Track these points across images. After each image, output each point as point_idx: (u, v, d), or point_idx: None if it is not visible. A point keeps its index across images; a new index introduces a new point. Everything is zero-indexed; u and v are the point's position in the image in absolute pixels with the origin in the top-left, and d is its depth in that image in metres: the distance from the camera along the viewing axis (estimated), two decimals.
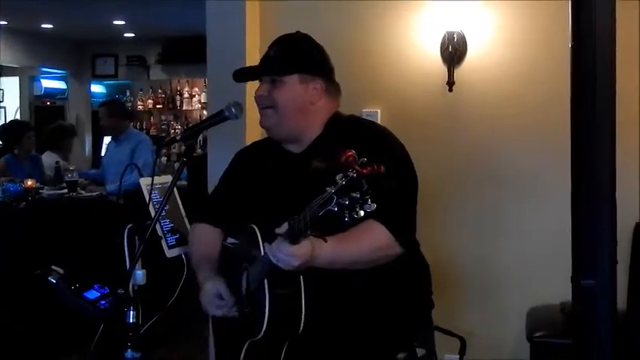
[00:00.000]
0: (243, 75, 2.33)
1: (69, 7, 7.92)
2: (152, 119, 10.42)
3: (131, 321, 2.01)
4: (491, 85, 3.62)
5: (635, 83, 3.34)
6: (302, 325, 1.92)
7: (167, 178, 2.52)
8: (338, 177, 1.63)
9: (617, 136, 1.68)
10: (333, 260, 1.92)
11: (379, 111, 3.67)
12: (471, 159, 3.65)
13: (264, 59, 2.22)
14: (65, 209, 5.48)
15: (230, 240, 2.33)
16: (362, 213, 1.61)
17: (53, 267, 2.47)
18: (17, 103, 10.70)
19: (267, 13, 3.86)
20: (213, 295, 2.10)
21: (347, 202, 1.61)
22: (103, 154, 7.23)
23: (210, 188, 3.74)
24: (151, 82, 10.52)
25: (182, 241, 2.46)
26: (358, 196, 1.61)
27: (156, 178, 2.37)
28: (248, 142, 3.76)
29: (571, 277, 1.70)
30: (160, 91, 10.38)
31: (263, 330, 1.91)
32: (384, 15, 3.70)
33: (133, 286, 2.07)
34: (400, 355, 2.15)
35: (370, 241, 1.98)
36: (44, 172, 6.40)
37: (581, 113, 1.71)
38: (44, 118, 10.03)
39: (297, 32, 2.29)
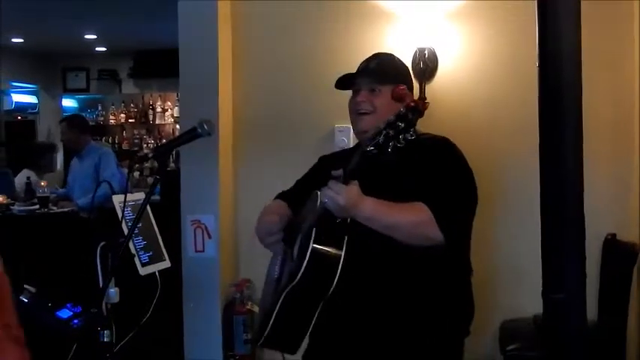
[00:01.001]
0: (345, 83, 2.47)
1: (39, 20, 7.87)
2: (124, 133, 10.34)
3: (105, 340, 2.00)
4: (463, 99, 3.66)
5: (600, 96, 3.39)
6: (333, 286, 2.05)
7: (140, 195, 2.51)
8: (389, 115, 1.90)
9: (584, 149, 1.71)
10: (373, 215, 2.08)
11: (351, 126, 3.69)
12: None
13: (366, 70, 2.42)
14: (36, 225, 5.41)
15: None
16: (404, 142, 1.88)
17: (25, 286, 2.45)
18: None
19: (239, 28, 3.88)
20: (268, 221, 2.35)
21: (392, 133, 1.88)
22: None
23: (183, 203, 3.76)
24: (122, 96, 10.46)
25: (155, 258, 2.45)
26: (403, 125, 1.87)
27: (128, 195, 2.37)
28: (221, 158, 3.78)
29: (542, 291, 1.72)
30: (132, 105, 10.32)
31: (299, 275, 2.04)
32: (355, 31, 3.73)
33: (106, 304, 2.07)
34: None
35: (412, 213, 2.11)
36: (14, 187, 6.33)
37: (549, 128, 1.74)
38: (15, 132, 9.93)
39: (388, 53, 2.56)
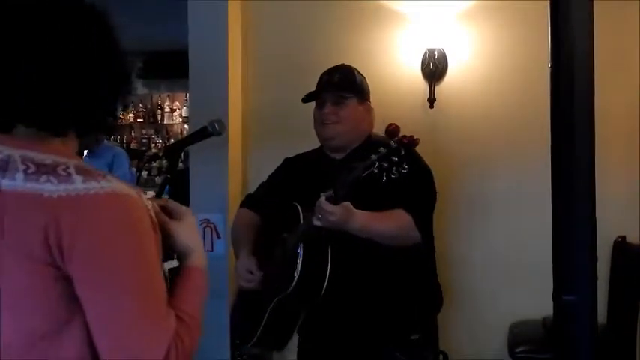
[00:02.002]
0: (311, 98, 2.68)
1: None
2: (133, 133, 10.36)
3: None
4: (472, 101, 3.66)
5: (612, 97, 3.38)
6: (324, 289, 2.29)
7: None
8: (380, 148, 2.13)
9: (596, 151, 1.71)
10: (364, 227, 2.30)
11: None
12: (453, 175, 3.68)
13: (330, 83, 2.62)
14: None
15: None
16: (397, 175, 2.10)
17: None
18: None
19: (249, 29, 3.88)
20: (245, 269, 2.52)
21: (386, 165, 2.11)
22: None
23: (192, 203, 3.76)
24: (131, 96, 10.49)
25: (165, 257, 2.45)
26: (396, 160, 2.10)
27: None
28: (231, 158, 3.78)
29: (552, 293, 1.72)
30: (140, 105, 10.34)
31: (292, 285, 2.29)
32: (365, 31, 3.74)
33: None
34: (413, 337, 2.52)
35: (396, 220, 2.38)
36: None
37: (560, 131, 1.73)
38: None
39: (344, 64, 2.72)
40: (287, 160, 2.81)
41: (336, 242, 2.33)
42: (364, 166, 2.14)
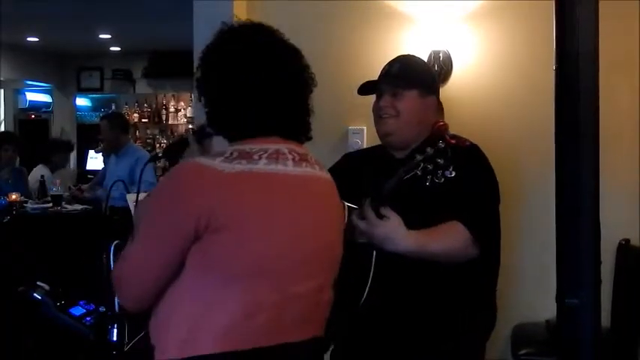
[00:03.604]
0: (367, 89, 2.52)
1: (54, 20, 7.91)
2: (138, 133, 10.39)
3: (114, 339, 2.01)
4: (477, 103, 3.65)
5: (616, 99, 3.37)
6: (364, 297, 2.09)
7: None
8: (427, 147, 1.93)
9: (600, 153, 1.70)
10: (417, 247, 2.10)
11: (365, 128, 3.68)
12: None
13: (388, 75, 2.45)
14: (50, 223, 5.43)
15: None
16: (442, 179, 1.92)
17: (38, 283, 2.46)
18: (1, 116, 10.65)
19: None
20: None
21: (430, 168, 1.92)
22: (101, 168, 7.13)
23: None
24: (136, 96, 10.51)
25: None
26: (442, 162, 1.91)
27: (142, 194, 2.37)
28: None
29: (555, 295, 1.71)
30: (145, 105, 10.36)
31: None
32: (369, 32, 3.73)
33: (118, 302, 2.07)
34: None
35: (452, 238, 2.15)
36: (28, 185, 6.35)
37: (565, 133, 1.73)
38: (29, 131, 9.99)
39: (412, 54, 2.61)
40: (346, 156, 2.68)
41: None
42: (407, 167, 1.98)
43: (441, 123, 2.03)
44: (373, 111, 2.46)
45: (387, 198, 2.05)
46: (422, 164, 1.93)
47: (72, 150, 7.28)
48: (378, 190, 2.06)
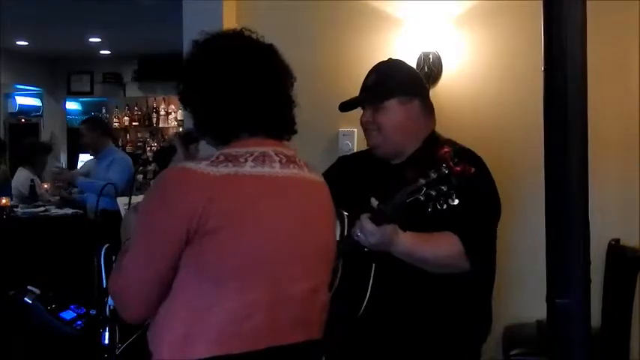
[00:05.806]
0: (347, 106, 2.50)
1: (44, 24, 7.89)
2: (128, 136, 10.37)
3: (106, 342, 2.00)
4: (467, 104, 3.65)
5: (606, 99, 3.38)
6: (363, 307, 2.11)
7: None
8: (431, 171, 1.89)
9: (589, 154, 1.71)
10: (409, 252, 2.11)
11: (356, 130, 3.68)
12: None
13: (364, 89, 2.42)
14: (40, 227, 5.42)
15: None
16: (445, 206, 1.88)
17: (29, 287, 2.45)
18: None
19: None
20: None
21: (434, 194, 1.89)
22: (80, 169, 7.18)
23: None
24: (127, 100, 10.49)
25: None
26: (445, 189, 1.88)
27: (133, 197, 2.36)
28: None
29: (546, 296, 1.72)
30: (136, 108, 10.35)
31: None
32: (360, 34, 3.73)
33: (109, 306, 2.06)
34: None
35: (444, 247, 2.17)
36: (17, 187, 6.36)
37: (554, 133, 1.74)
38: (19, 135, 9.95)
39: (390, 59, 2.53)
40: (341, 159, 2.67)
41: (382, 259, 2.13)
42: (409, 191, 1.93)
43: (446, 149, 1.93)
44: (360, 124, 2.47)
45: (388, 220, 2.04)
46: (424, 189, 1.91)
47: (50, 152, 7.28)
48: (379, 211, 2.04)
